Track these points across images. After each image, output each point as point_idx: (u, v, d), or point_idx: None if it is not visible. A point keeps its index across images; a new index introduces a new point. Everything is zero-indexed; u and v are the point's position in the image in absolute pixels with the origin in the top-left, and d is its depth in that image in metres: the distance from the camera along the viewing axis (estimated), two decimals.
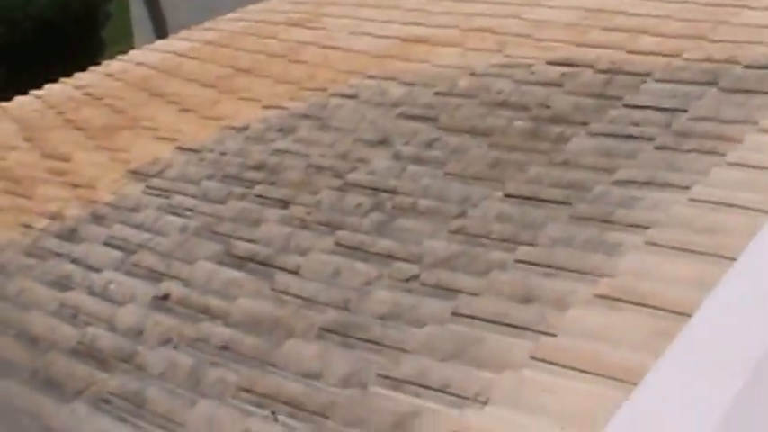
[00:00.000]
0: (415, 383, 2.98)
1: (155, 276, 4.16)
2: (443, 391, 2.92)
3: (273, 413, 3.02)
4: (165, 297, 3.91)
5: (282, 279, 3.83)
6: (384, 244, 3.95)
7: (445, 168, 4.59)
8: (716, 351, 2.56)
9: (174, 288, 3.95)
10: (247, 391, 3.16)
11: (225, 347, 3.47)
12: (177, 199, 4.88)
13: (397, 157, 4.83)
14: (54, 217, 5.07)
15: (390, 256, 3.88)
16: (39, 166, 5.86)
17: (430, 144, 4.92)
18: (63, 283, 4.27)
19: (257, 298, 3.76)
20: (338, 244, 4.05)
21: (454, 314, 3.32)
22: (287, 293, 3.76)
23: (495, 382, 2.88)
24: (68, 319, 3.90)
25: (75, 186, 5.44)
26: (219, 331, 3.55)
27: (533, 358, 2.96)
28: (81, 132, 6.32)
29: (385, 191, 4.51)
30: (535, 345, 3.01)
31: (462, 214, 4.12)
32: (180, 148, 5.62)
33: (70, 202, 5.22)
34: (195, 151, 5.54)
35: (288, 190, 4.72)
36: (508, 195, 4.22)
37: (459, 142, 4.87)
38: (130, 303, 3.92)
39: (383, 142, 5.06)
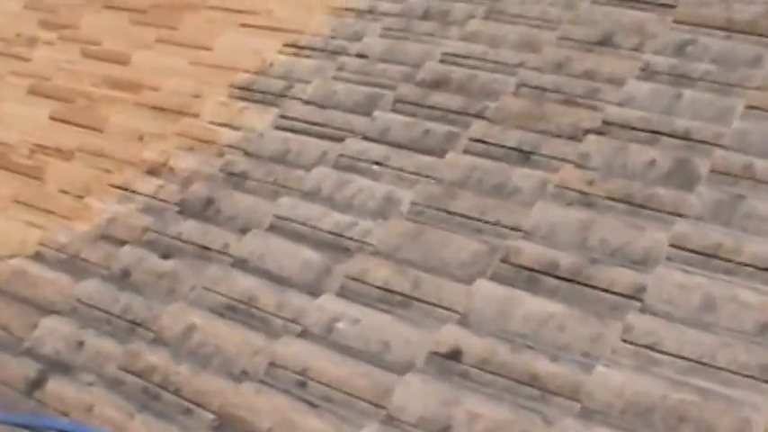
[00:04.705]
0: None
1: (399, 301, 2.83)
2: None
3: None
4: (455, 356, 2.61)
5: (638, 322, 2.56)
6: (753, 248, 2.70)
7: (743, 94, 3.28)
8: None
9: (461, 337, 2.65)
10: None
11: None
12: (350, 145, 3.46)
13: (647, 72, 3.47)
14: (157, 171, 3.60)
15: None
16: (88, 73, 4.27)
17: (680, 48, 3.56)
18: (247, 314, 2.91)
19: (619, 366, 2.49)
20: (679, 247, 2.77)
21: None
22: (654, 349, 2.51)
23: None
24: (305, 405, 2.58)
25: (164, 112, 3.92)
26: None
27: None
28: (120, 15, 4.68)
29: (672, 135, 3.19)
30: None
31: None
32: (293, 47, 4.09)
33: (170, 142, 3.73)
34: (316, 51, 4.04)
35: (517, 130, 3.35)
36: None
37: (722, 46, 3.53)
38: (406, 370, 2.60)
39: (604, 42, 3.67)
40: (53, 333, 3.01)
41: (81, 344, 2.95)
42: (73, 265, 3.28)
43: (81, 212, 3.49)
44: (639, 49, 3.58)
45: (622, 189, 3.01)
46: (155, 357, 2.82)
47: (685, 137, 3.16)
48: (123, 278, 3.17)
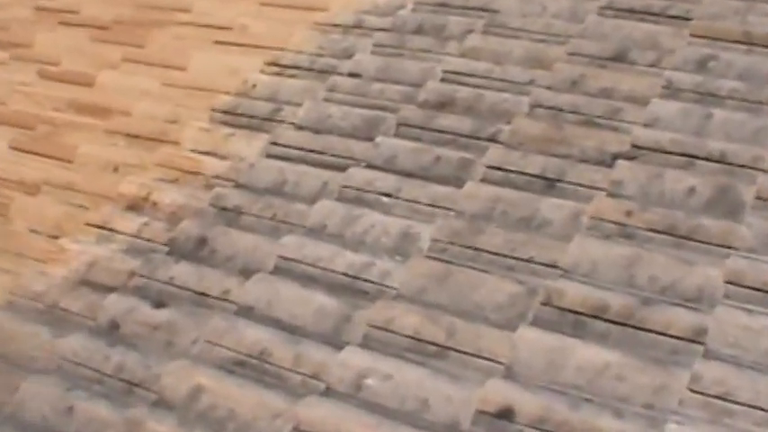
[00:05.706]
0: None
1: (433, 352, 2.56)
2: None
3: None
4: (506, 415, 2.34)
5: (704, 369, 2.32)
6: None
7: None
8: None
9: (510, 392, 2.37)
10: None
11: None
12: (354, 174, 3.17)
13: (671, 90, 3.25)
14: (139, 206, 3.27)
15: None
16: (48, 96, 3.92)
17: (702, 64, 3.34)
18: (261, 371, 2.61)
19: (690, 419, 2.24)
20: (736, 283, 2.54)
21: None
22: (726, 400, 2.27)
23: None
24: None
25: (139, 139, 3.59)
26: None
27: None
28: (78, 31, 4.32)
29: (708, 159, 2.96)
30: None
31: None
32: (275, 65, 3.79)
33: (150, 173, 3.40)
34: (302, 70, 3.74)
35: (537, 155, 3.10)
36: None
37: (745, 62, 3.32)
38: None
39: (619, 58, 3.44)
40: (37, 396, 2.68)
41: (70, 409, 2.61)
42: (52, 317, 2.94)
43: (56, 255, 3.15)
44: (658, 65, 3.35)
45: (664, 220, 2.76)
46: (160, 426, 2.51)
47: (722, 160, 2.94)
48: (112, 331, 2.84)
